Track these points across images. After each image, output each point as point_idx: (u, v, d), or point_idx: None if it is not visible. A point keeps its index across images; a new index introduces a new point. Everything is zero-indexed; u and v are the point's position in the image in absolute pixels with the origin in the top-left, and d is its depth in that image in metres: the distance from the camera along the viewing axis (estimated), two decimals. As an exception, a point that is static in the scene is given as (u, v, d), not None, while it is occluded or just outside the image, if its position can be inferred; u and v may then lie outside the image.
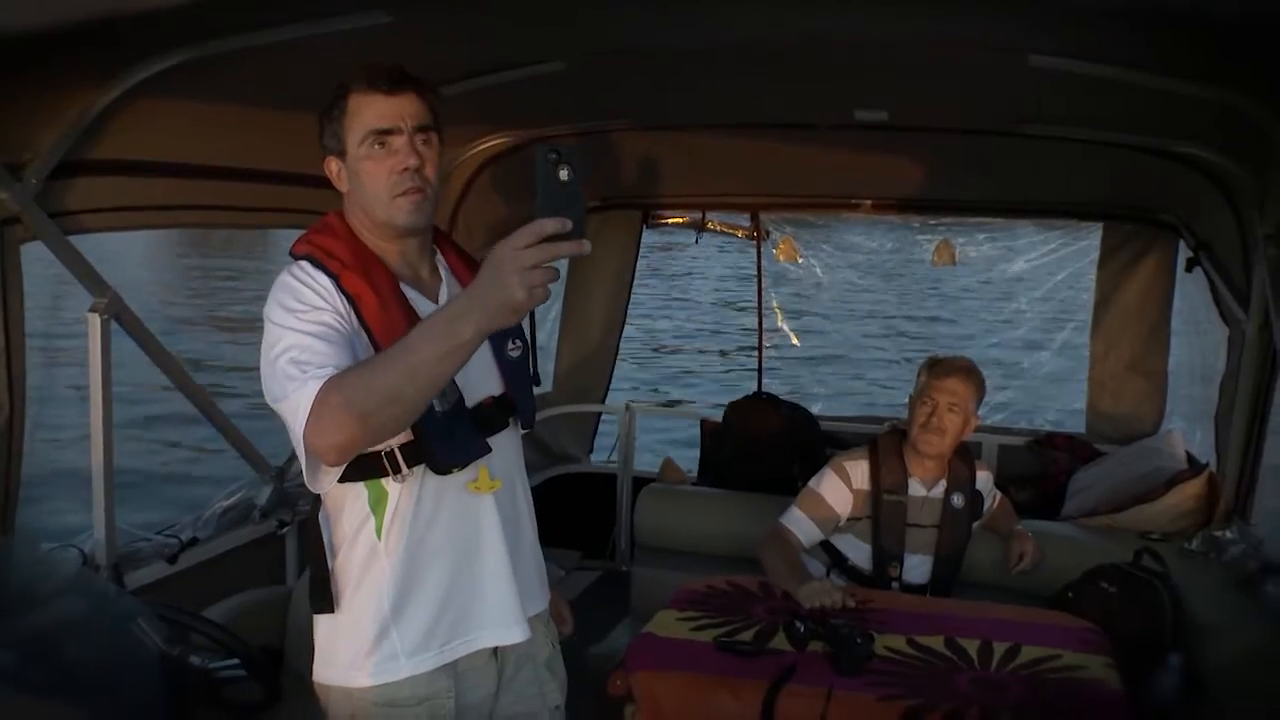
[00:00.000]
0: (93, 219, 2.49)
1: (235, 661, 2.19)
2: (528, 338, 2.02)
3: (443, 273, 1.98)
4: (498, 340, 1.94)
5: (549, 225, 1.43)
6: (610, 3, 2.17)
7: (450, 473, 1.86)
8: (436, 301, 1.92)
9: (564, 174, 1.45)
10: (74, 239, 2.48)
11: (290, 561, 3.47)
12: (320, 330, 1.75)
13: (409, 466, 1.84)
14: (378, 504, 1.87)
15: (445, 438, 1.83)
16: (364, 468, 1.84)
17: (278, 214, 3.18)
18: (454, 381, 1.80)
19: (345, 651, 1.91)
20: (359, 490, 1.87)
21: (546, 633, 2.12)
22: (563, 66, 2.73)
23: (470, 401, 1.89)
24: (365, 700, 1.89)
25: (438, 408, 1.80)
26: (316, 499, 1.93)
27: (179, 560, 3.00)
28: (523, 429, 2.04)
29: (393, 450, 1.82)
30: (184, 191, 2.76)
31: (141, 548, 2.96)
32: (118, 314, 2.67)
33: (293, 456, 3.44)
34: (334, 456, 1.67)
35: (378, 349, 1.78)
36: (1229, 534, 3.29)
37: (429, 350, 1.54)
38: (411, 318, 1.82)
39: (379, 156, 1.82)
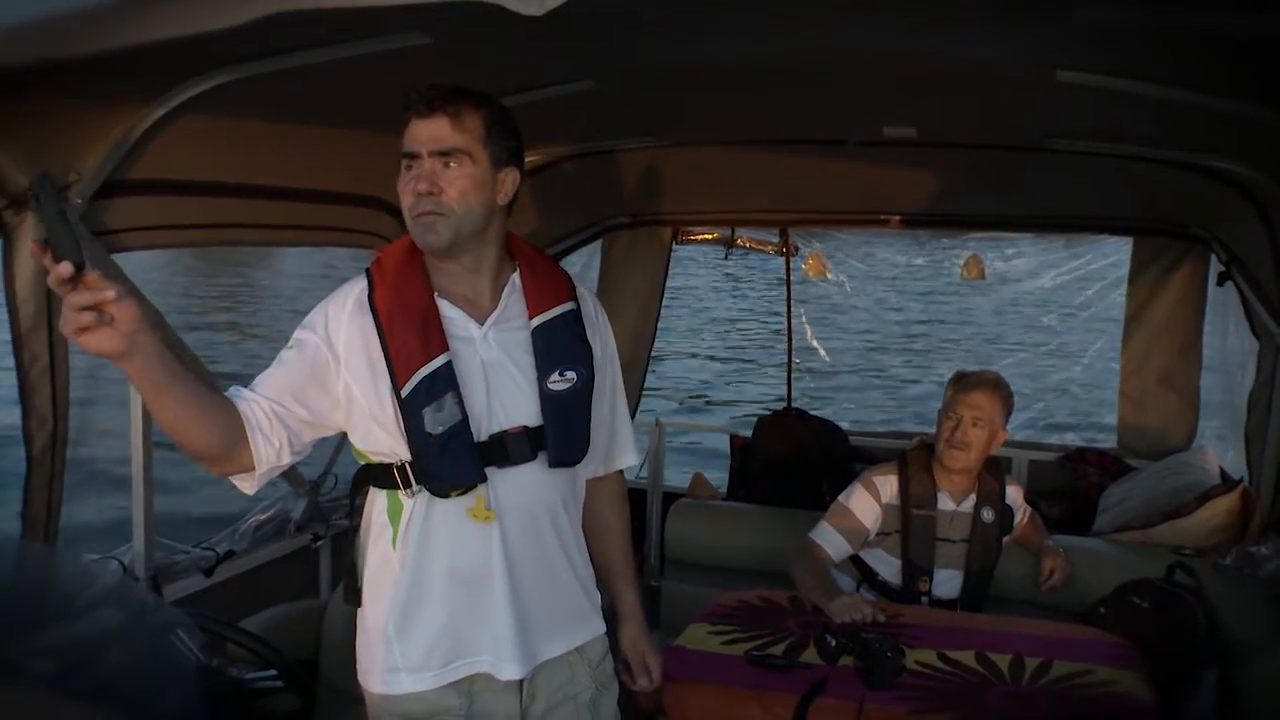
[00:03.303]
0: (136, 237, 2.54)
1: (272, 673, 2.22)
2: (588, 372, 1.97)
3: (506, 295, 1.96)
4: (544, 370, 1.93)
5: (44, 256, 1.44)
6: (638, 21, 2.19)
7: (448, 496, 1.87)
8: (482, 324, 1.92)
9: (44, 203, 1.50)
10: (117, 257, 2.54)
11: (324, 575, 3.51)
12: (290, 350, 1.87)
13: (416, 483, 1.87)
14: (395, 515, 1.91)
15: (435, 460, 1.85)
16: (381, 477, 1.91)
17: (318, 232, 3.22)
18: (459, 403, 1.84)
19: (364, 657, 1.97)
20: (383, 499, 1.92)
21: (592, 673, 2.07)
22: (591, 85, 2.76)
23: (491, 428, 1.88)
24: (382, 707, 1.94)
25: (429, 429, 1.83)
26: (364, 503, 1.98)
27: (215, 573, 3.04)
28: (553, 465, 1.93)
29: (403, 464, 1.87)
30: (226, 210, 2.81)
31: (179, 560, 3.00)
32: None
33: (326, 472, 3.49)
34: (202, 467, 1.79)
35: (391, 367, 1.85)
36: (1264, 549, 3.24)
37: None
38: (429, 339, 1.86)
39: (405, 179, 1.87)
